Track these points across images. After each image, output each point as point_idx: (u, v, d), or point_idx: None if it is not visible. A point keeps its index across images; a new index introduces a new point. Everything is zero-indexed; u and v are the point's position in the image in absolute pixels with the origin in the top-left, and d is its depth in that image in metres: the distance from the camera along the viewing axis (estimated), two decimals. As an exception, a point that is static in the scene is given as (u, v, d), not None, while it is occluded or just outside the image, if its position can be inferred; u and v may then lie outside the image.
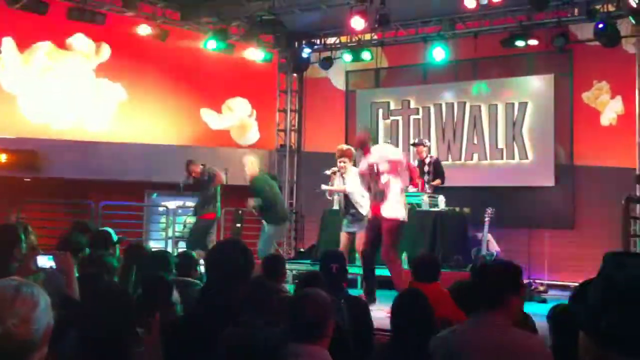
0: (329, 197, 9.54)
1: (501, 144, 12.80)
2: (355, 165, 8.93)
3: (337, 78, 14.74)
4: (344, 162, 9.08)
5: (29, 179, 12.77)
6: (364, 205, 8.77)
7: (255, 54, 13.41)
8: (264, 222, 9.77)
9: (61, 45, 13.49)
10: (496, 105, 12.91)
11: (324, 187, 9.32)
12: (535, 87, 12.65)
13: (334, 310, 3.16)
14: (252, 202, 9.53)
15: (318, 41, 14.19)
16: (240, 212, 12.16)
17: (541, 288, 9.92)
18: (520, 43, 11.72)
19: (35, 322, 1.84)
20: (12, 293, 1.84)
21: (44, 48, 13.37)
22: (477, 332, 2.96)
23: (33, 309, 1.85)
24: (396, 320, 3.67)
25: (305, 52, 14.07)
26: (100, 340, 2.72)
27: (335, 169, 9.31)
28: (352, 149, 9.20)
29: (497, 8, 11.38)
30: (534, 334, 3.49)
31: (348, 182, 8.99)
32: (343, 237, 9.12)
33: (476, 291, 3.14)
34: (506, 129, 12.76)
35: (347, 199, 9.09)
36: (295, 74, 14.94)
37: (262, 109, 15.24)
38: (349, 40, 13.77)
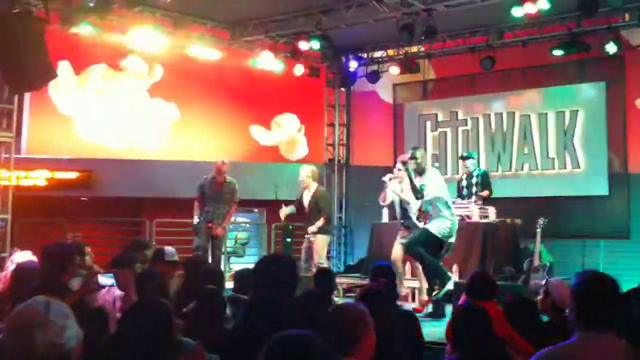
0: (382, 202, 9.49)
1: (552, 153, 12.63)
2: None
3: (384, 91, 14.78)
4: (400, 170, 8.97)
5: (85, 198, 13.10)
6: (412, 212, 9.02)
7: (302, 70, 13.53)
8: (313, 235, 9.60)
9: (115, 67, 13.84)
10: (546, 114, 12.75)
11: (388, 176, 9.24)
12: (587, 94, 12.46)
13: (370, 325, 3.08)
14: (315, 226, 9.53)
15: (365, 55, 14.26)
16: (290, 227, 12.23)
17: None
18: (570, 50, 11.56)
19: (66, 339, 1.94)
20: (42, 313, 1.94)
21: (99, 70, 13.75)
22: (595, 350, 2.83)
23: (64, 327, 1.95)
24: (456, 336, 3.63)
25: (353, 66, 14.17)
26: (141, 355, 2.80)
27: (391, 175, 9.26)
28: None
29: (546, 16, 11.24)
30: None
31: (406, 189, 8.98)
32: (397, 248, 9.21)
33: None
34: (557, 138, 12.59)
35: (402, 207, 9.20)
36: (342, 88, 15.03)
37: (311, 123, 15.36)
38: (395, 53, 13.80)
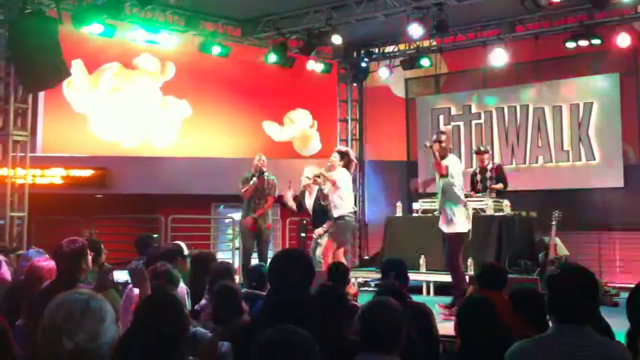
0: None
1: (567, 145, 12.56)
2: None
3: (396, 86, 14.75)
4: (334, 158, 8.96)
5: (100, 196, 13.21)
6: (339, 207, 8.77)
7: (314, 66, 13.54)
8: (320, 237, 9.55)
9: (128, 65, 13.94)
10: (560, 106, 12.68)
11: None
12: (600, 86, 12.38)
13: (406, 319, 3.14)
14: (322, 229, 9.51)
15: (376, 50, 14.24)
16: (304, 222, 12.27)
17: (613, 292, 9.68)
18: (582, 43, 11.47)
19: (103, 336, 1.90)
20: (81, 307, 1.90)
21: (112, 69, 13.85)
22: (567, 342, 2.82)
23: (101, 323, 1.91)
24: (463, 327, 3.64)
25: (364, 61, 14.16)
26: (156, 350, 2.83)
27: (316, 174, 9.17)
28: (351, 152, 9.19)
29: (557, 8, 11.15)
30: (618, 341, 3.35)
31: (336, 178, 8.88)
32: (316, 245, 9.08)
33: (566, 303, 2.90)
34: (571, 131, 12.53)
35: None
36: (354, 84, 15.01)
37: (323, 119, 15.38)
38: (407, 48, 13.77)
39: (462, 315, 3.70)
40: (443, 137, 8.60)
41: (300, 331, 2.22)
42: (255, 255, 10.17)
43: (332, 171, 8.95)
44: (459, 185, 8.54)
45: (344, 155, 9.00)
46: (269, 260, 9.51)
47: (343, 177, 8.91)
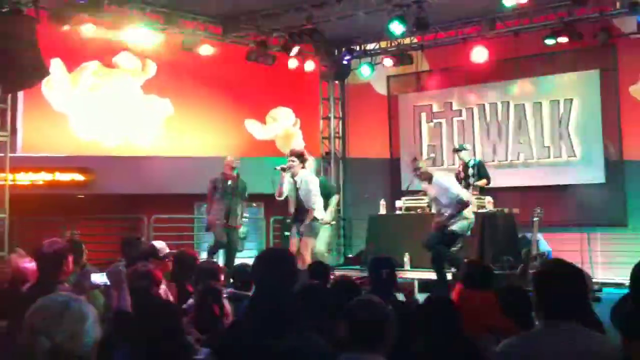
0: (277, 197, 9.17)
1: (547, 142, 12.63)
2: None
3: (378, 83, 14.76)
4: (293, 162, 8.95)
5: (82, 196, 13.10)
6: (318, 208, 8.90)
7: (296, 64, 13.50)
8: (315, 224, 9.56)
9: (108, 63, 13.82)
10: (540, 103, 12.75)
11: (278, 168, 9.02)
12: (580, 83, 12.46)
13: (392, 316, 3.12)
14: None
15: (358, 48, 14.25)
16: (288, 221, 12.22)
17: (595, 287, 9.75)
18: (562, 39, 11.54)
19: (84, 337, 1.91)
20: (60, 309, 1.91)
21: (92, 67, 13.72)
22: (556, 338, 2.82)
23: (81, 324, 1.91)
24: (424, 326, 3.65)
25: (346, 59, 14.16)
26: (151, 352, 2.81)
27: (284, 165, 9.03)
28: (305, 152, 9.24)
29: (537, 5, 11.21)
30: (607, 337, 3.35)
31: (304, 181, 8.91)
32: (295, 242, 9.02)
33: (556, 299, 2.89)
34: (552, 127, 12.60)
35: (299, 202, 9.02)
36: (337, 81, 15.02)
37: (306, 117, 15.36)
38: (388, 45, 13.78)
39: (422, 314, 3.71)
40: (420, 166, 8.78)
41: (316, 340, 2.20)
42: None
43: (297, 176, 8.92)
44: (458, 197, 8.81)
45: (300, 156, 8.99)
46: (235, 261, 9.61)
47: (317, 182, 9.06)
